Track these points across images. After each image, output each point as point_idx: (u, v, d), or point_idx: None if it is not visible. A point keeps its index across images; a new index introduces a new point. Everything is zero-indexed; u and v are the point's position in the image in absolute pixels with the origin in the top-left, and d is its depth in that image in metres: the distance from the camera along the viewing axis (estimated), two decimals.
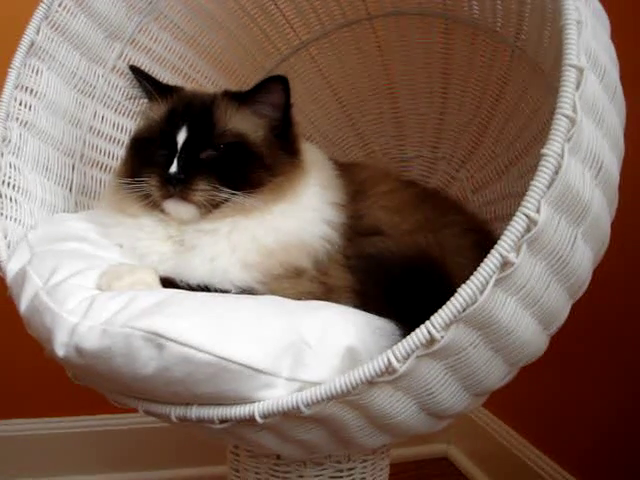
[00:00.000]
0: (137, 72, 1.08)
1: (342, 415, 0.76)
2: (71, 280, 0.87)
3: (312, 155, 1.10)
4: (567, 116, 0.69)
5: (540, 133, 1.13)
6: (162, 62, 1.38)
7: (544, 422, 1.61)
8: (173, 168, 0.95)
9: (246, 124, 1.02)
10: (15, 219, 1.07)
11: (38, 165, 1.15)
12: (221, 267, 0.95)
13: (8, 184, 1.08)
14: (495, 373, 0.81)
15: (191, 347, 0.73)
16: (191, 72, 1.44)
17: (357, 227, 1.05)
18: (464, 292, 0.68)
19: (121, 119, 1.34)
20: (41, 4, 1.13)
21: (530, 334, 0.79)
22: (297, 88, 1.44)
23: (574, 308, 0.86)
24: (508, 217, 0.69)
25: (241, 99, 1.03)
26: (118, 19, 1.27)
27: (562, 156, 0.68)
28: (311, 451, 0.90)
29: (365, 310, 0.89)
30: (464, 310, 0.68)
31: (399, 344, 0.70)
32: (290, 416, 0.75)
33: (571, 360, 1.47)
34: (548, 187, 0.68)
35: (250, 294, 0.93)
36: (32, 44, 1.12)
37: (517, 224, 0.68)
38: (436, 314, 0.69)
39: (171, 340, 0.73)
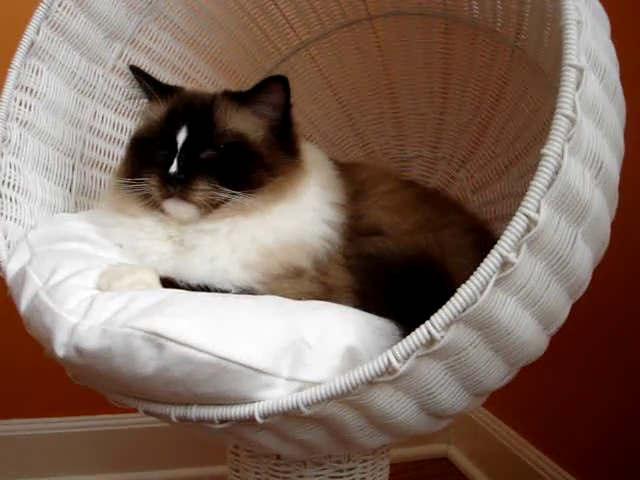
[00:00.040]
0: (137, 72, 1.08)
1: (342, 415, 0.76)
2: (71, 280, 0.87)
3: (312, 155, 1.10)
4: (567, 116, 0.69)
5: (540, 133, 1.13)
6: (162, 62, 1.38)
7: (544, 422, 1.61)
8: (173, 168, 0.95)
9: (246, 124, 1.02)
10: (15, 219, 1.07)
11: (38, 165, 1.15)
12: (221, 267, 0.95)
13: (8, 184, 1.08)
14: (495, 373, 0.81)
15: (191, 347, 0.73)
16: (191, 72, 1.43)
17: (357, 227, 1.05)
18: (464, 292, 0.68)
19: (121, 119, 1.34)
20: (41, 4, 1.13)
21: (530, 334, 0.79)
22: (297, 88, 1.44)
23: (574, 308, 0.86)
24: (508, 217, 0.69)
25: (241, 99, 1.03)
26: (118, 19, 1.27)
27: (562, 156, 0.68)
28: (311, 451, 0.90)
29: (365, 310, 0.89)
30: (464, 310, 0.68)
31: (399, 344, 0.70)
32: (290, 416, 0.75)
33: (571, 360, 1.47)
34: (548, 187, 0.68)
35: (250, 294, 0.93)
36: (32, 44, 1.12)
37: (517, 224, 0.68)
38: (436, 314, 0.69)
39: (171, 340, 0.73)
